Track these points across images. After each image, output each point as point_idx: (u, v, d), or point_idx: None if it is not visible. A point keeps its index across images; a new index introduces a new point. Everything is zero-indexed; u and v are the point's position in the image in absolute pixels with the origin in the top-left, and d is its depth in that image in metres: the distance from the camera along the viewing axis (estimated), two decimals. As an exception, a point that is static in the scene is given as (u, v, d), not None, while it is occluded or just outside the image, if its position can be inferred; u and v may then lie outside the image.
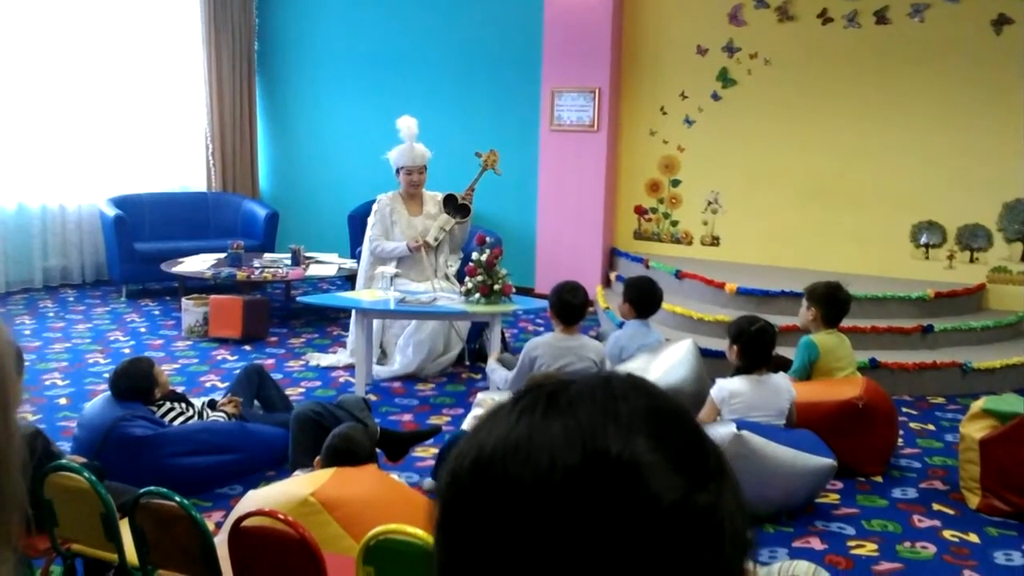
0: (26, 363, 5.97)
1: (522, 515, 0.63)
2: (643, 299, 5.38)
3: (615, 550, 0.62)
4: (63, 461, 2.65)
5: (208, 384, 5.73)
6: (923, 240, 7.16)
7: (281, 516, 2.36)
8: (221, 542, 2.54)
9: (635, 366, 5.12)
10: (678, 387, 5.00)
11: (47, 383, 5.66)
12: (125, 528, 2.61)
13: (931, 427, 5.32)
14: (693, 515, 0.64)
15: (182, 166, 9.26)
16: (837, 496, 4.29)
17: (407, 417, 5.26)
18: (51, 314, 7.43)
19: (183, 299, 6.99)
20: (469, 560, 0.66)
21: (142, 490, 2.51)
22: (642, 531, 0.62)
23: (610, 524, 0.62)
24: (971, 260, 7.02)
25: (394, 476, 3.73)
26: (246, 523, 2.41)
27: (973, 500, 4.18)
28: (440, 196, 6.35)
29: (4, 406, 0.96)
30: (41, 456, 2.70)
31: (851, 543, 3.82)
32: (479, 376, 5.93)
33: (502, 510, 0.64)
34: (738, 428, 3.91)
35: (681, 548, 0.63)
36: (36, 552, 2.80)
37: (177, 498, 2.45)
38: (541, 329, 7.07)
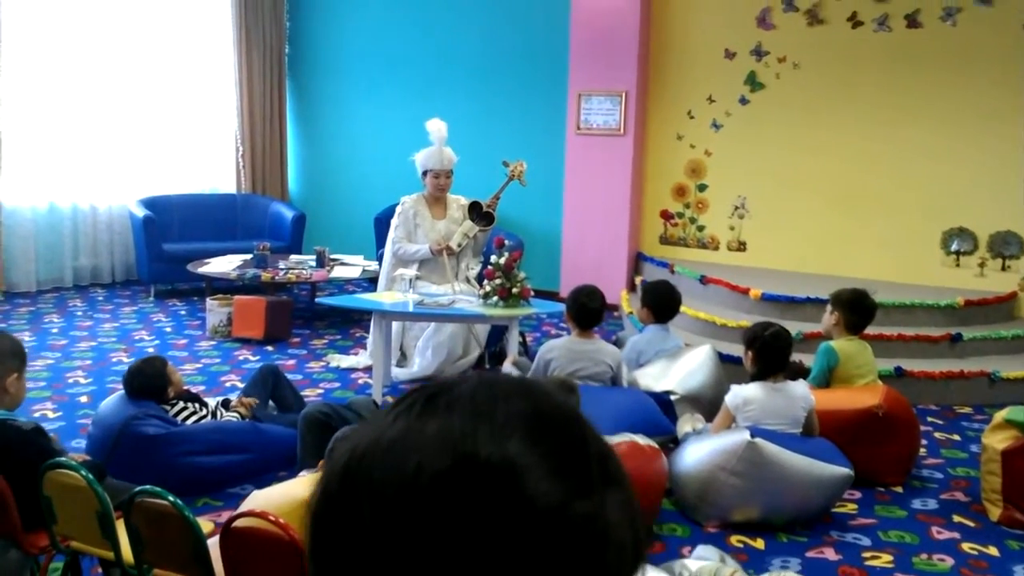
0: (50, 361, 6.08)
1: (387, 523, 0.60)
2: (661, 303, 5.34)
3: (487, 560, 0.59)
4: (62, 459, 2.66)
5: (228, 384, 5.76)
6: (954, 247, 7.03)
7: (272, 518, 2.35)
8: (217, 543, 2.53)
9: (653, 371, 5.09)
10: (697, 392, 4.97)
11: (70, 381, 5.72)
12: (121, 527, 2.61)
13: (956, 437, 5.21)
14: (571, 523, 0.60)
15: (212, 168, 9.35)
16: (855, 506, 4.21)
17: (423, 420, 5.23)
18: (79, 313, 7.52)
19: (208, 299, 7.04)
20: (338, 571, 0.63)
21: (136, 488, 2.51)
22: (515, 539, 0.59)
23: (481, 532, 0.59)
24: (1003, 268, 6.88)
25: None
26: (238, 524, 2.40)
27: (994, 512, 4.08)
28: (464, 200, 6.33)
29: None
30: (41, 452, 2.71)
31: (866, 554, 3.75)
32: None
33: (368, 518, 0.61)
34: (752, 436, 3.85)
35: (558, 557, 0.60)
36: (37, 549, 2.82)
37: (171, 497, 2.45)
38: (564, 333, 7.01)
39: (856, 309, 4.71)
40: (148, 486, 2.52)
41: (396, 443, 0.62)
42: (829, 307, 4.80)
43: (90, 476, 2.57)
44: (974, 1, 6.75)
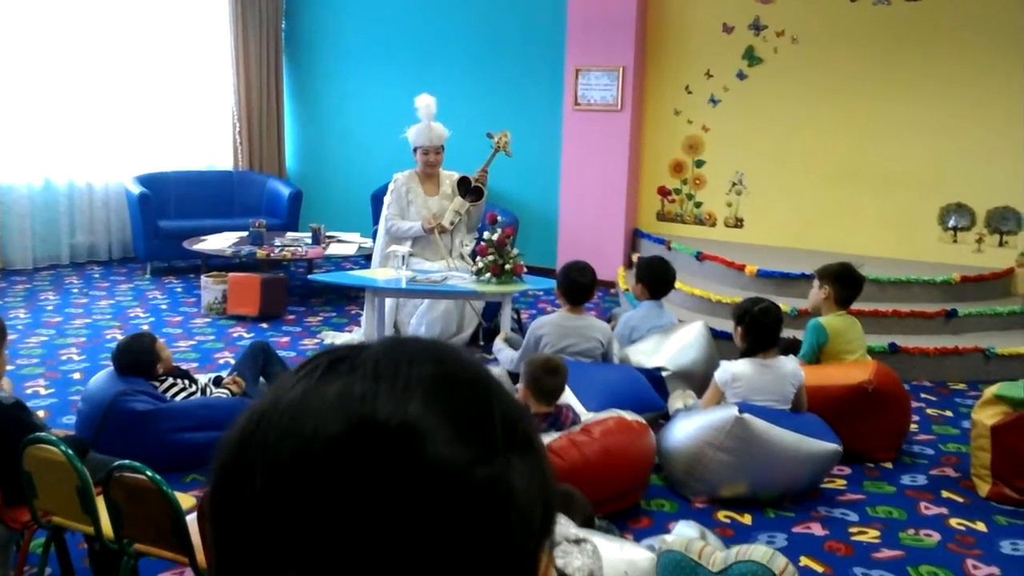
0: (44, 338, 6.08)
1: (281, 491, 0.57)
2: (656, 279, 5.33)
3: (385, 526, 0.57)
4: (42, 434, 2.66)
5: (222, 361, 5.76)
6: (951, 223, 6.99)
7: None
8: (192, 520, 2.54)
9: (645, 347, 5.08)
10: (688, 369, 4.96)
11: (63, 358, 5.72)
12: (101, 502, 2.61)
13: (949, 413, 5.20)
14: (472, 489, 0.58)
15: (209, 145, 9.32)
16: (844, 482, 4.21)
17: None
18: (75, 290, 7.52)
19: (202, 276, 7.04)
20: (236, 551, 0.60)
21: (115, 463, 2.51)
22: (413, 505, 0.57)
23: (378, 498, 0.56)
24: (1000, 244, 6.85)
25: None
26: (215, 498, 2.40)
27: (983, 488, 4.08)
28: (457, 176, 6.31)
29: None
30: (20, 427, 2.71)
31: (853, 529, 3.74)
32: (493, 356, 5.89)
33: (260, 487, 0.58)
34: (740, 411, 3.84)
35: (458, 524, 0.58)
36: (19, 524, 2.82)
37: (148, 472, 2.45)
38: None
39: (846, 282, 4.69)
40: (127, 461, 2.52)
41: (293, 407, 0.60)
42: (816, 282, 4.78)
43: (69, 451, 2.57)
44: (974, -26, 6.68)
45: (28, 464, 2.66)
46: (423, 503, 0.57)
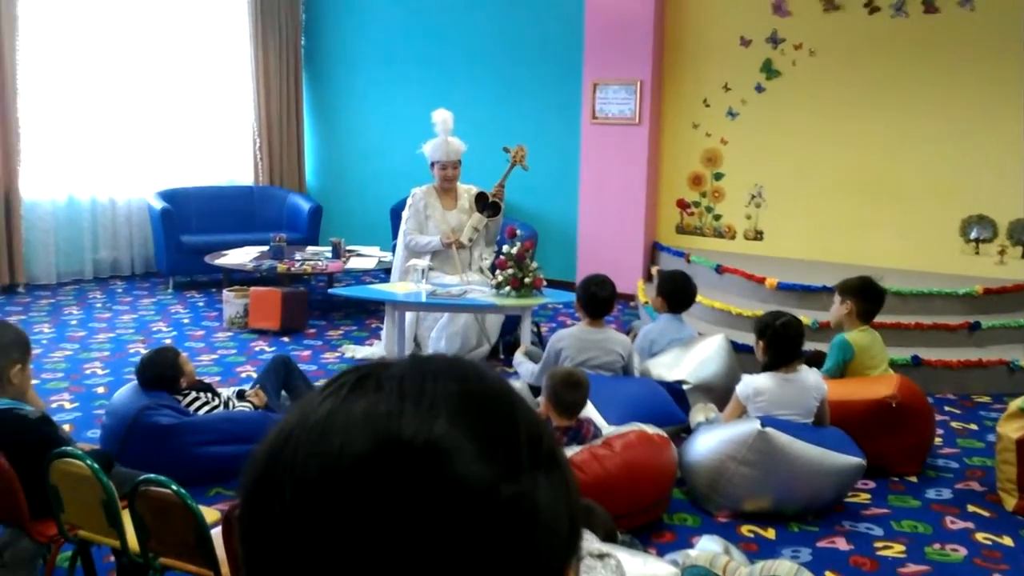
0: (68, 353, 6.13)
1: (310, 508, 0.58)
2: (676, 293, 5.32)
3: (412, 543, 0.57)
4: (68, 448, 2.69)
5: (244, 375, 5.79)
6: (973, 235, 6.95)
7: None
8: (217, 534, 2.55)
9: (666, 360, 5.07)
10: (709, 382, 4.94)
11: (87, 372, 5.77)
12: (127, 515, 2.63)
13: (973, 427, 5.16)
14: (498, 506, 0.59)
15: (229, 160, 9.39)
16: (868, 496, 4.18)
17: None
18: (99, 305, 7.58)
19: (224, 291, 7.08)
20: (265, 567, 0.61)
21: (141, 477, 2.53)
22: (440, 523, 0.57)
23: (405, 516, 0.57)
24: (1023, 256, 6.79)
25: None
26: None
27: (1010, 502, 4.04)
28: (475, 190, 6.33)
29: None
30: (47, 441, 2.73)
31: (878, 544, 3.72)
32: (513, 370, 5.89)
33: (290, 503, 0.59)
34: (763, 425, 3.83)
35: (485, 541, 0.58)
36: (45, 538, 2.85)
37: (174, 486, 2.47)
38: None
39: (868, 296, 4.67)
40: (152, 475, 2.54)
41: (320, 424, 0.61)
42: (838, 297, 4.76)
43: (95, 465, 2.59)
44: (993, -15, 6.66)
45: (54, 478, 2.68)
46: (449, 521, 0.58)
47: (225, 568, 2.46)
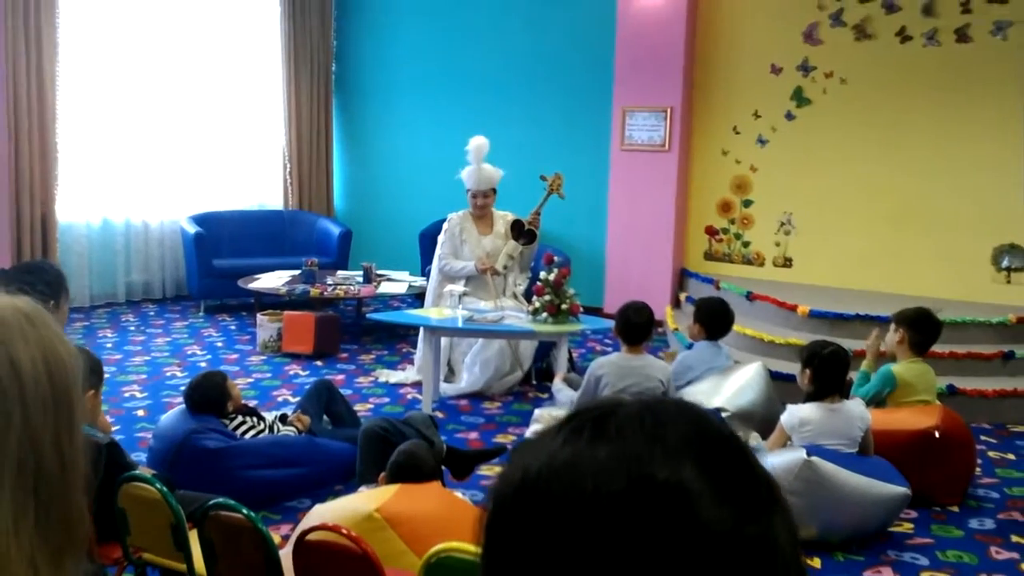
0: (107, 375, 6.19)
1: (567, 536, 0.63)
2: (715, 320, 5.33)
3: (659, 575, 0.62)
4: (136, 472, 2.73)
5: (280, 399, 5.83)
6: (1004, 263, 6.95)
7: (345, 531, 2.39)
8: (287, 555, 2.58)
9: (703, 388, 5.07)
10: (747, 410, 4.95)
11: (126, 395, 5.83)
12: (194, 538, 2.67)
13: (1011, 456, 5.15)
14: (744, 545, 0.63)
15: (260, 184, 9.48)
16: (911, 525, 4.18)
17: (473, 435, 5.29)
18: (132, 328, 7.66)
19: (258, 315, 7.14)
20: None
21: (211, 501, 2.57)
22: (690, 558, 0.62)
23: (656, 549, 0.62)
24: (1056, 285, 6.80)
25: (458, 494, 3.75)
26: (310, 537, 2.45)
27: (1054, 533, 4.03)
28: (510, 216, 6.38)
29: (69, 423, 0.99)
30: (116, 466, 2.78)
31: (924, 574, 3.72)
32: (545, 395, 5.93)
33: (546, 531, 0.64)
34: (808, 454, 3.84)
35: None
36: (109, 560, 2.89)
37: (244, 510, 2.51)
38: (609, 349, 7.03)
39: (921, 327, 4.68)
40: (222, 499, 2.57)
41: (569, 465, 0.66)
42: (893, 326, 4.78)
43: (164, 489, 2.63)
44: (1025, 15, 6.70)
45: (123, 501, 2.72)
46: (697, 559, 0.62)
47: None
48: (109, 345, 7.04)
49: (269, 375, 6.37)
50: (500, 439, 5.15)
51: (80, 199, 8.17)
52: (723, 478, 0.65)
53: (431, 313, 6.08)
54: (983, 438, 5.41)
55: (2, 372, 0.92)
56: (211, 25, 8.90)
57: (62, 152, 7.86)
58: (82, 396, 1.02)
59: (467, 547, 2.34)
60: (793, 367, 4.92)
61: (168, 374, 6.31)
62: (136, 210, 8.56)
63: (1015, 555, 3.91)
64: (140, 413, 5.47)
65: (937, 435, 4.25)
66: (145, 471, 2.97)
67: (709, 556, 0.62)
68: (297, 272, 7.74)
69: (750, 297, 7.09)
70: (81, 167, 8.17)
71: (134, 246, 8.58)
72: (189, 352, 6.93)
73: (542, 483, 0.66)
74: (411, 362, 6.60)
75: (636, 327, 4.81)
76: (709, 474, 0.64)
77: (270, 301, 7.76)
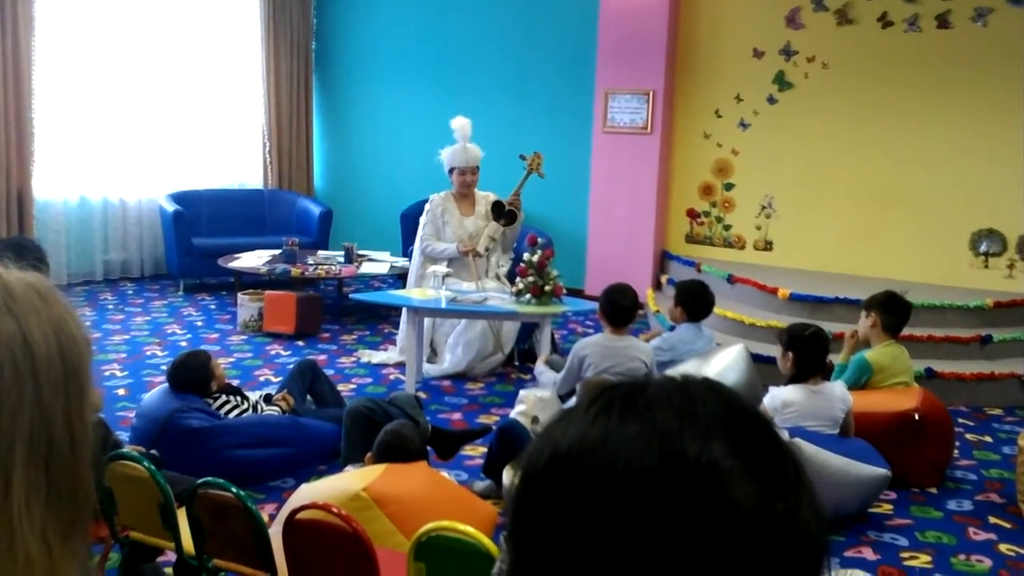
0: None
1: (597, 512, 0.64)
2: (695, 302, 5.35)
3: (689, 551, 0.62)
4: (124, 450, 2.72)
5: (262, 378, 5.81)
6: (982, 248, 7.03)
7: (335, 510, 2.39)
8: (274, 534, 2.58)
9: (685, 370, 5.11)
10: (729, 392, 4.99)
11: (106, 374, 5.78)
12: (182, 517, 2.66)
13: (988, 439, 5.22)
14: (771, 522, 0.64)
15: (240, 163, 9.41)
16: (891, 507, 4.23)
17: (456, 415, 5.30)
18: (111, 306, 7.59)
19: (239, 294, 7.09)
20: (543, 557, 0.67)
21: (200, 480, 2.56)
22: (719, 534, 0.63)
23: (686, 525, 0.63)
24: (1032, 270, 6.88)
25: (444, 474, 3.76)
26: (300, 516, 2.45)
27: (1031, 514, 4.10)
28: (492, 197, 6.38)
29: (80, 401, 0.98)
30: (103, 445, 2.76)
31: (904, 554, 3.77)
32: (528, 376, 5.94)
33: (577, 506, 0.65)
34: (790, 436, 3.88)
35: (757, 554, 0.63)
36: (97, 539, 2.87)
37: (233, 489, 2.50)
38: (591, 331, 7.05)
39: (892, 309, 4.73)
40: (211, 478, 2.57)
41: (600, 441, 0.66)
42: (864, 311, 4.82)
43: (152, 467, 2.62)
44: (1006, 1, 6.74)
45: (110, 480, 2.71)
46: (727, 534, 0.63)
47: (283, 568, 2.49)
48: (88, 324, 6.96)
49: (251, 355, 6.35)
50: (484, 419, 5.16)
51: (57, 176, 8.08)
52: (752, 456, 0.65)
53: (414, 294, 6.08)
54: (961, 421, 5.48)
55: (15, 349, 0.91)
56: (189, 1, 8.79)
57: (38, 128, 7.76)
58: (91, 374, 1.01)
59: (456, 526, 2.35)
60: (773, 349, 4.96)
61: (148, 353, 6.27)
62: (114, 188, 8.47)
63: (992, 535, 3.97)
64: (121, 392, 5.43)
65: (916, 417, 4.30)
66: (135, 449, 2.95)
67: (738, 532, 0.63)
68: (277, 251, 7.70)
69: (731, 280, 7.13)
70: (58, 144, 8.07)
71: (112, 224, 8.49)
72: (169, 331, 6.89)
73: (573, 459, 0.66)
74: (393, 342, 6.59)
75: (622, 309, 4.82)
76: (738, 451, 0.65)
77: (250, 280, 7.72)
